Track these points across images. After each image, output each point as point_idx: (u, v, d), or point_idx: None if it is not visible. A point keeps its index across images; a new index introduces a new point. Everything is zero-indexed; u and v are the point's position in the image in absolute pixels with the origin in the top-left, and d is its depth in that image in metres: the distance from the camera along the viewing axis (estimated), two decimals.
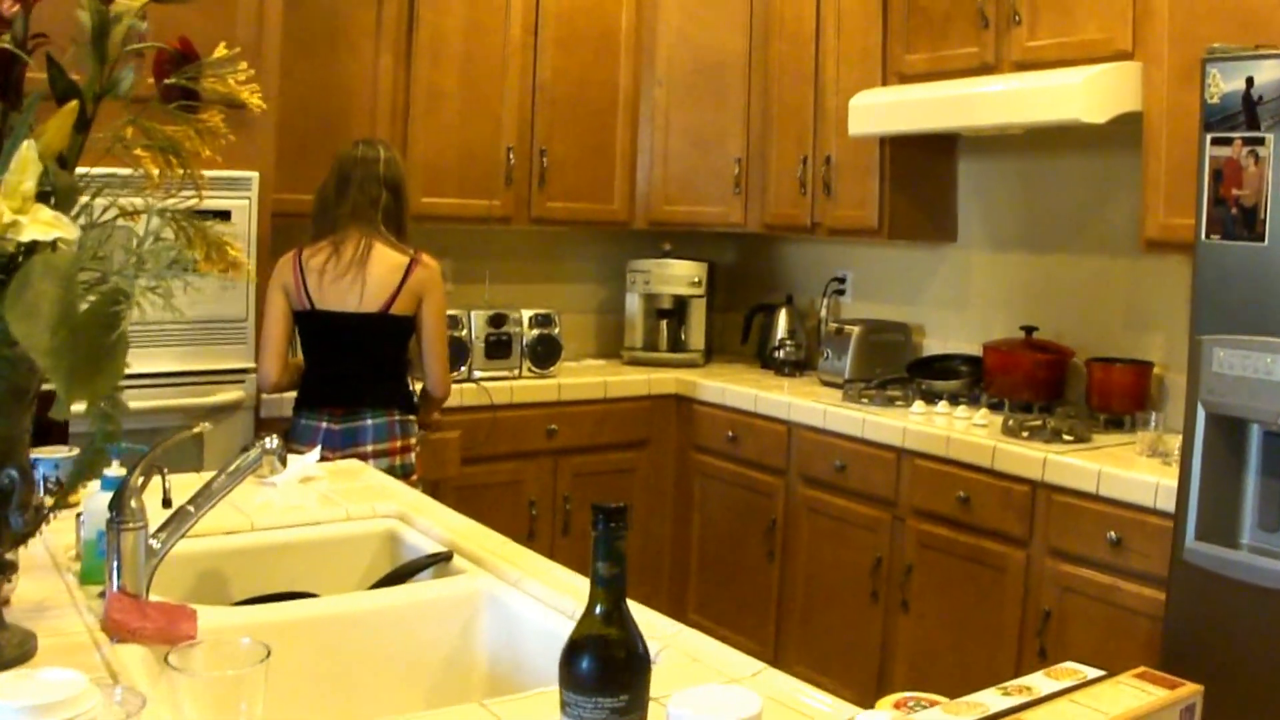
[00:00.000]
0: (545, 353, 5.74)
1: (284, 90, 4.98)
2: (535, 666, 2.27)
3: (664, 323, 6.30)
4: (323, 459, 3.66)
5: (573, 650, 1.54)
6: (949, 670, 4.48)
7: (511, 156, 5.74)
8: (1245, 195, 3.24)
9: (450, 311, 5.37)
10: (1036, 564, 4.14)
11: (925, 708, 1.52)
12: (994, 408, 4.81)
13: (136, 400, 4.20)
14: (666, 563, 5.96)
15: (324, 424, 4.32)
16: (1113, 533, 3.84)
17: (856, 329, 5.56)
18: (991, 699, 1.51)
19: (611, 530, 1.55)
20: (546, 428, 5.58)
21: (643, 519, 5.84)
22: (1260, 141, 3.19)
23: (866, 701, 4.77)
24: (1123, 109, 4.17)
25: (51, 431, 2.21)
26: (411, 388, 4.51)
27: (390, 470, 4.05)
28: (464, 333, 5.52)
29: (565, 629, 2.04)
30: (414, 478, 4.33)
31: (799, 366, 6.00)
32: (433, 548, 2.74)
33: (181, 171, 2.24)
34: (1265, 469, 3.38)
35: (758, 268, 6.81)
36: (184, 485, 2.53)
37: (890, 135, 5.12)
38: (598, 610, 1.55)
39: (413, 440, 4.42)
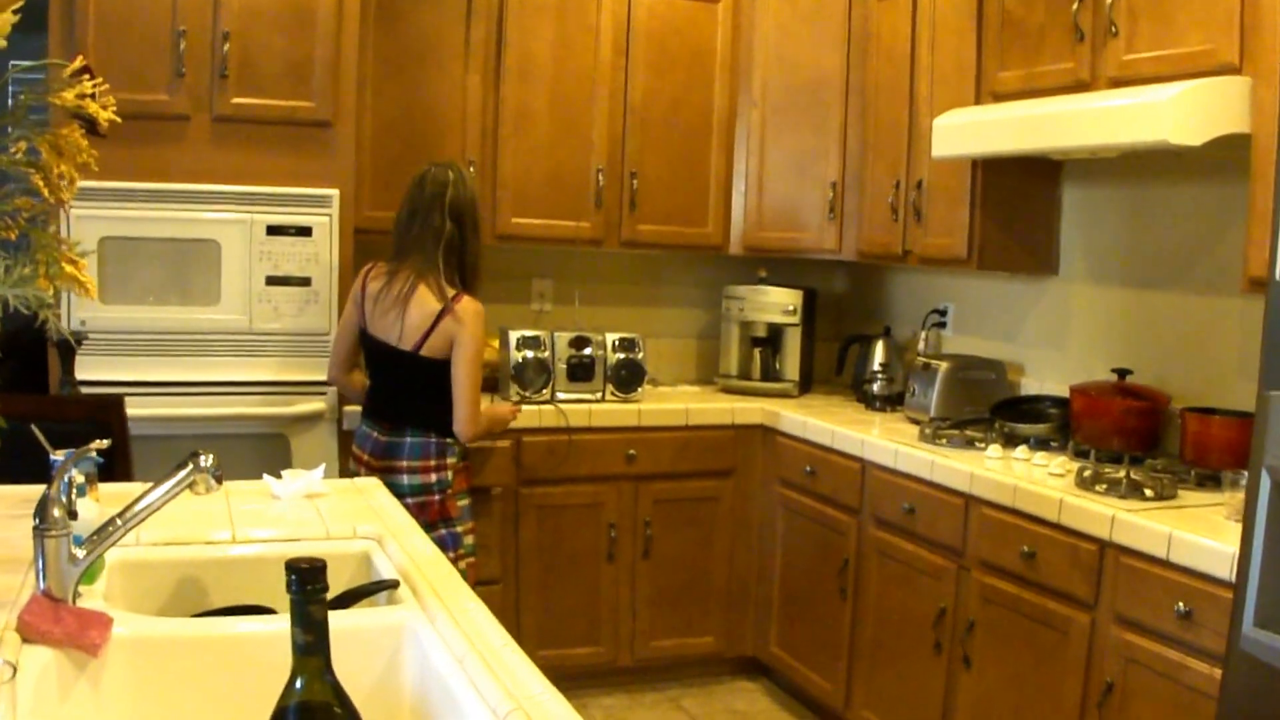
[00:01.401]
0: (628, 377, 5.34)
1: (374, 109, 5.03)
2: (440, 712, 2.10)
3: (758, 351, 5.82)
4: (366, 466, 4.18)
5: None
6: None
7: (601, 178, 5.47)
8: None
9: (534, 332, 5.21)
10: (1101, 630, 3.52)
11: None
12: (1081, 455, 4.18)
13: (221, 407, 4.59)
14: (752, 594, 5.53)
15: (374, 434, 4.27)
16: (1181, 604, 3.20)
17: (945, 365, 4.97)
18: None
19: (308, 593, 1.40)
20: (626, 452, 5.22)
21: (728, 549, 5.50)
22: None
23: None
24: (1225, 130, 3.51)
25: None
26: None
27: (425, 487, 4.18)
28: (546, 354, 5.20)
29: (454, 676, 2.03)
30: (450, 491, 4.25)
31: (892, 401, 5.42)
32: (393, 574, 2.61)
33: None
34: None
35: (860, 297, 6.32)
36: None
37: (976, 157, 4.52)
38: (298, 682, 1.42)
39: (450, 460, 4.25)
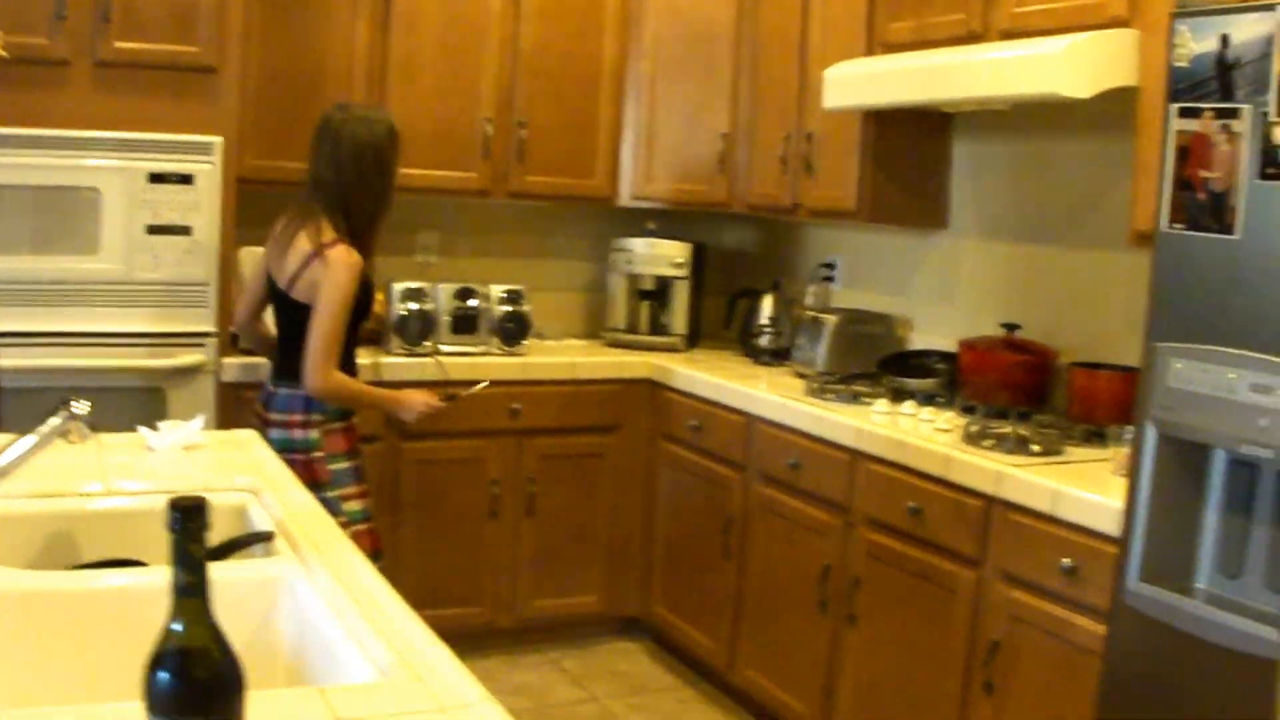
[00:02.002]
0: (514, 330, 5.26)
1: (259, 56, 4.91)
2: (319, 665, 2.09)
3: (646, 304, 5.75)
4: (259, 419, 3.99)
5: (152, 665, 1.34)
6: (894, 694, 3.90)
7: (489, 128, 5.34)
8: (1214, 178, 2.57)
9: (418, 284, 5.15)
10: (987, 587, 3.51)
11: None
12: (968, 410, 4.15)
13: (97, 358, 4.47)
14: (635, 553, 5.47)
15: (266, 384, 4.12)
16: (1067, 560, 3.19)
17: (833, 319, 4.95)
18: None
19: (189, 532, 1.34)
20: (510, 407, 5.13)
21: (611, 506, 5.43)
22: (1234, 114, 2.52)
23: (814, 718, 4.21)
24: (1114, 83, 3.51)
25: None
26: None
27: (289, 444, 3.89)
28: (430, 307, 5.11)
29: (333, 629, 2.03)
30: (318, 454, 3.97)
31: (780, 355, 5.38)
32: (269, 526, 2.57)
33: None
34: (1229, 503, 2.70)
35: (750, 250, 6.27)
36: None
37: (866, 109, 4.47)
38: (177, 625, 1.35)
39: (315, 417, 3.97)
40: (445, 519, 5.08)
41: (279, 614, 2.26)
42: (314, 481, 3.79)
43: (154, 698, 1.35)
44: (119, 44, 4.36)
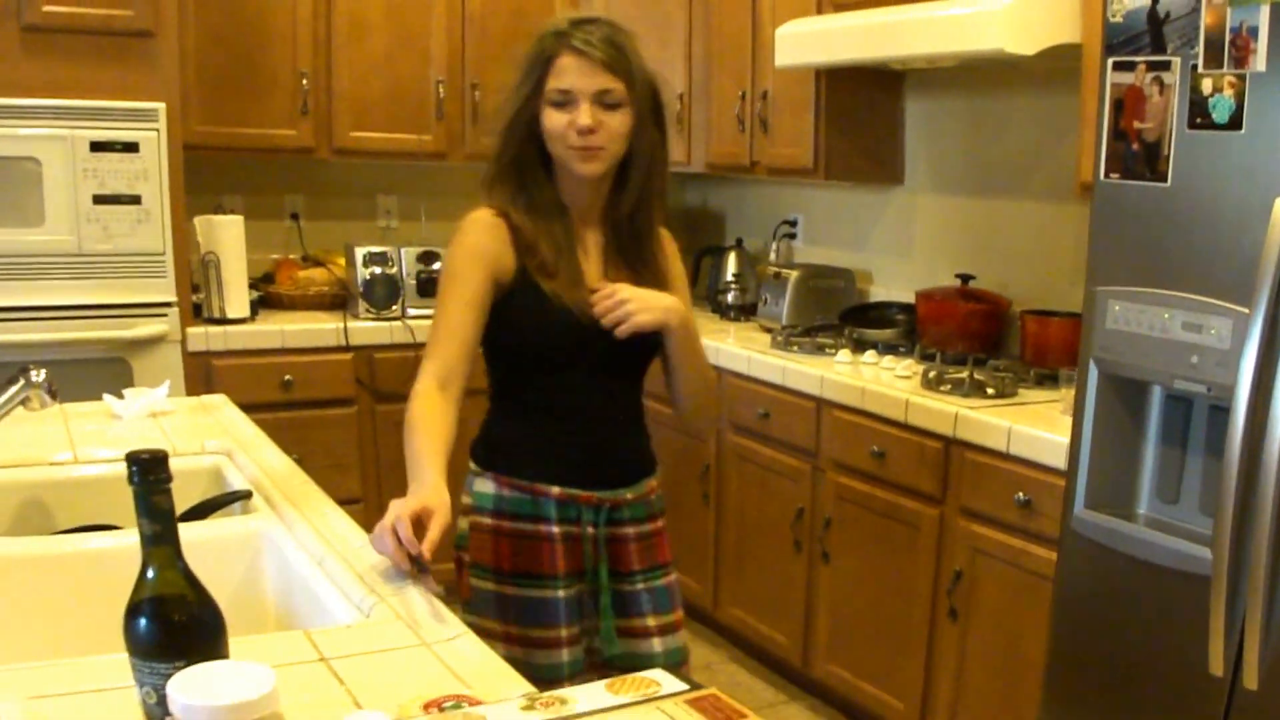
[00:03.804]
0: None
1: (197, 19, 4.86)
2: (305, 612, 2.18)
3: None
4: None
5: (129, 614, 1.40)
6: (867, 624, 4.17)
7: (441, 90, 5.43)
8: (1147, 129, 2.79)
9: (381, 248, 5.26)
10: (949, 522, 3.77)
11: (455, 707, 1.30)
12: (927, 358, 4.39)
13: (55, 332, 4.33)
14: None
15: None
16: (1021, 494, 3.44)
17: (795, 274, 5.16)
18: (506, 713, 1.26)
19: (150, 484, 1.40)
20: (481, 366, 5.19)
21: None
22: (1165, 66, 2.73)
23: (795, 649, 4.48)
24: (1058, 40, 3.72)
25: None
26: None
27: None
28: (395, 270, 5.24)
29: (315, 577, 2.12)
30: (466, 555, 2.63)
31: (746, 311, 5.59)
32: (245, 485, 2.65)
33: None
34: (1165, 435, 2.94)
35: (712, 209, 6.45)
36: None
37: (818, 66, 4.66)
38: (149, 572, 1.41)
39: (465, 499, 2.64)
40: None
41: (263, 567, 2.35)
42: (462, 600, 2.57)
43: (135, 643, 1.41)
44: (47, 7, 4.31)
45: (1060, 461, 3.25)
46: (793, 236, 5.71)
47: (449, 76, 5.42)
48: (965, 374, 3.96)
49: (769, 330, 5.12)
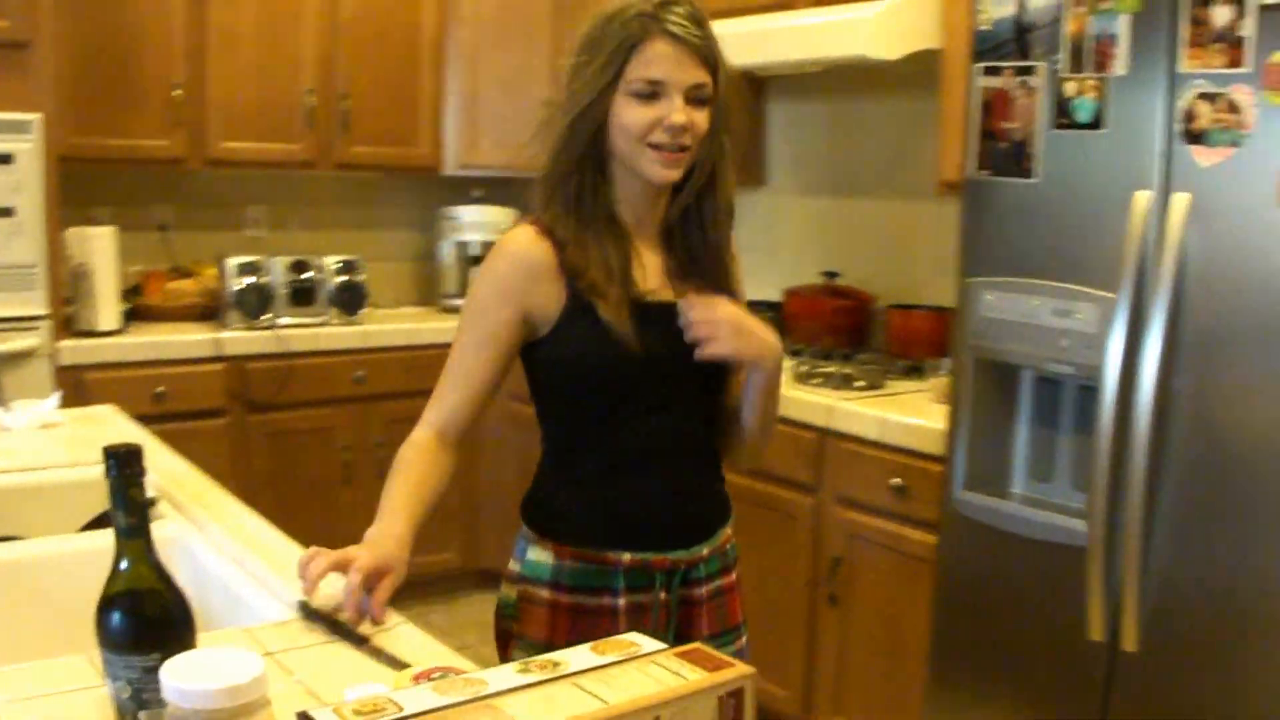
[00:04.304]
0: (351, 299, 5.43)
1: (73, 30, 4.80)
2: (223, 613, 2.16)
3: (475, 269, 5.94)
4: None
5: (102, 606, 1.42)
6: (752, 614, 4.23)
7: (312, 100, 5.44)
8: (1015, 129, 2.97)
9: (253, 258, 5.22)
10: (825, 510, 3.91)
11: (443, 678, 1.30)
12: (796, 354, 4.53)
13: None
14: (487, 507, 5.69)
15: None
16: (896, 480, 3.61)
17: None
18: (503, 676, 1.26)
19: (127, 477, 1.42)
20: (354, 374, 5.33)
21: (462, 464, 5.44)
22: (1031, 71, 2.92)
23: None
24: (919, 45, 3.93)
25: None
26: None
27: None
28: (266, 280, 5.23)
29: (235, 578, 2.14)
30: (513, 625, 2.34)
31: None
32: (149, 492, 2.52)
33: None
34: (1037, 416, 3.13)
35: None
36: None
37: None
38: (123, 564, 1.43)
39: (513, 566, 2.37)
40: (300, 488, 5.19)
41: (176, 572, 2.34)
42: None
43: (109, 637, 1.42)
44: None
45: (932, 447, 3.43)
46: None
47: (319, 85, 5.43)
48: (834, 368, 4.14)
49: None
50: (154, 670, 1.32)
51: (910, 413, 3.67)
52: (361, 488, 5.32)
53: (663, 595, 2.25)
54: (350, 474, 5.34)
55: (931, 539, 3.44)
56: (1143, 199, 2.68)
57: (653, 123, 2.11)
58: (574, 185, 2.21)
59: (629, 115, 2.13)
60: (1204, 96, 2.60)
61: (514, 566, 2.33)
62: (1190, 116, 2.62)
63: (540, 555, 2.27)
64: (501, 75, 5.77)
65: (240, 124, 5.29)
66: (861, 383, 4.04)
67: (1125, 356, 2.70)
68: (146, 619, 1.42)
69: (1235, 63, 2.54)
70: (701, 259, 2.28)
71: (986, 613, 3.16)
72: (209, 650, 1.34)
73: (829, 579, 3.89)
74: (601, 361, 2.17)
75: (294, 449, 5.21)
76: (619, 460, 2.23)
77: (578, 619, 2.23)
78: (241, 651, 1.29)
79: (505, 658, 2.26)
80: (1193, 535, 2.68)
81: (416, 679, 1.51)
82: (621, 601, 2.22)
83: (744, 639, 2.43)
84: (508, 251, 2.22)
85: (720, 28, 4.39)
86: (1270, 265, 2.51)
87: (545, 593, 2.25)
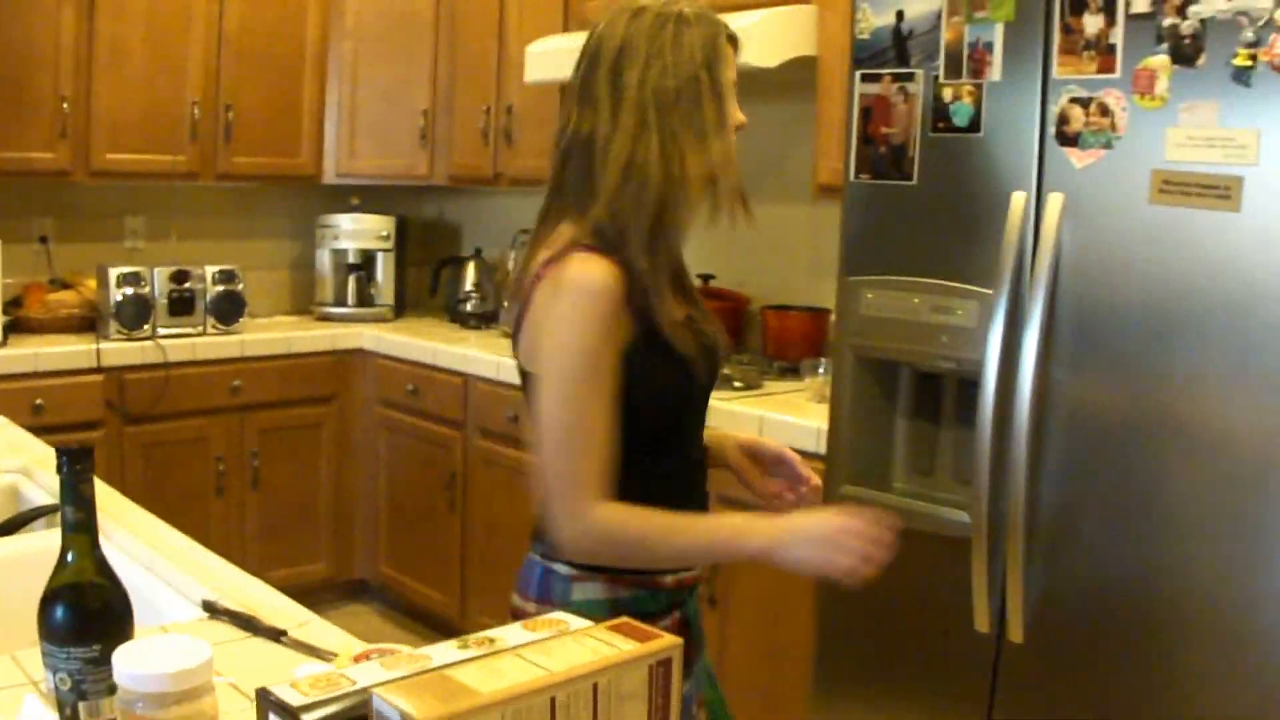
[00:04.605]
0: (229, 309, 5.41)
1: None
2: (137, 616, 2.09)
3: (353, 277, 5.99)
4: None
5: (46, 600, 1.45)
6: None
7: (197, 111, 5.41)
8: (894, 133, 3.04)
9: (134, 269, 5.16)
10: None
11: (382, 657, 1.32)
12: None
13: None
14: (359, 517, 5.72)
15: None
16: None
17: None
18: (444, 651, 1.32)
19: (77, 473, 1.44)
20: (230, 384, 5.29)
21: (334, 474, 5.65)
22: (909, 78, 2.99)
23: None
24: (796, 53, 4.00)
25: None
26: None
27: None
28: (146, 290, 5.18)
29: (144, 580, 2.13)
30: None
31: (486, 319, 5.74)
32: (49, 500, 2.61)
33: None
34: (917, 411, 3.19)
35: (452, 221, 6.57)
36: None
37: (565, 82, 4.83)
38: (69, 558, 1.46)
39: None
40: (172, 499, 5.05)
41: None
42: None
43: (52, 630, 1.44)
44: None
45: (812, 445, 3.47)
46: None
47: (204, 97, 5.41)
48: None
49: (510, 336, 5.23)
50: (94, 662, 1.38)
51: (789, 412, 3.73)
52: (233, 498, 5.35)
53: (693, 610, 2.27)
54: (223, 484, 5.31)
55: None
56: (1019, 199, 2.76)
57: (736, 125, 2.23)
58: (660, 191, 2.12)
59: (731, 119, 2.28)
60: (1076, 101, 2.69)
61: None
62: (1064, 120, 2.71)
63: (591, 593, 2.14)
64: (382, 86, 5.78)
65: (125, 136, 5.25)
66: (739, 383, 4.10)
67: (1004, 351, 2.77)
68: (88, 612, 1.45)
69: (1106, 69, 2.63)
70: (681, 274, 2.29)
71: (872, 609, 3.19)
72: (156, 638, 1.39)
73: (708, 581, 3.89)
74: (679, 393, 2.14)
75: (168, 460, 5.16)
76: (668, 487, 2.16)
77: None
78: (188, 638, 1.32)
79: None
80: (1074, 525, 2.75)
81: (357, 659, 1.53)
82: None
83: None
84: (610, 291, 2.02)
85: None
86: (1143, 259, 2.59)
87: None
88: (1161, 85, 2.55)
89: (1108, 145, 2.64)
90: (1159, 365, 2.59)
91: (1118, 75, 2.62)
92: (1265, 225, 2.43)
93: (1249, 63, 2.43)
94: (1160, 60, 2.55)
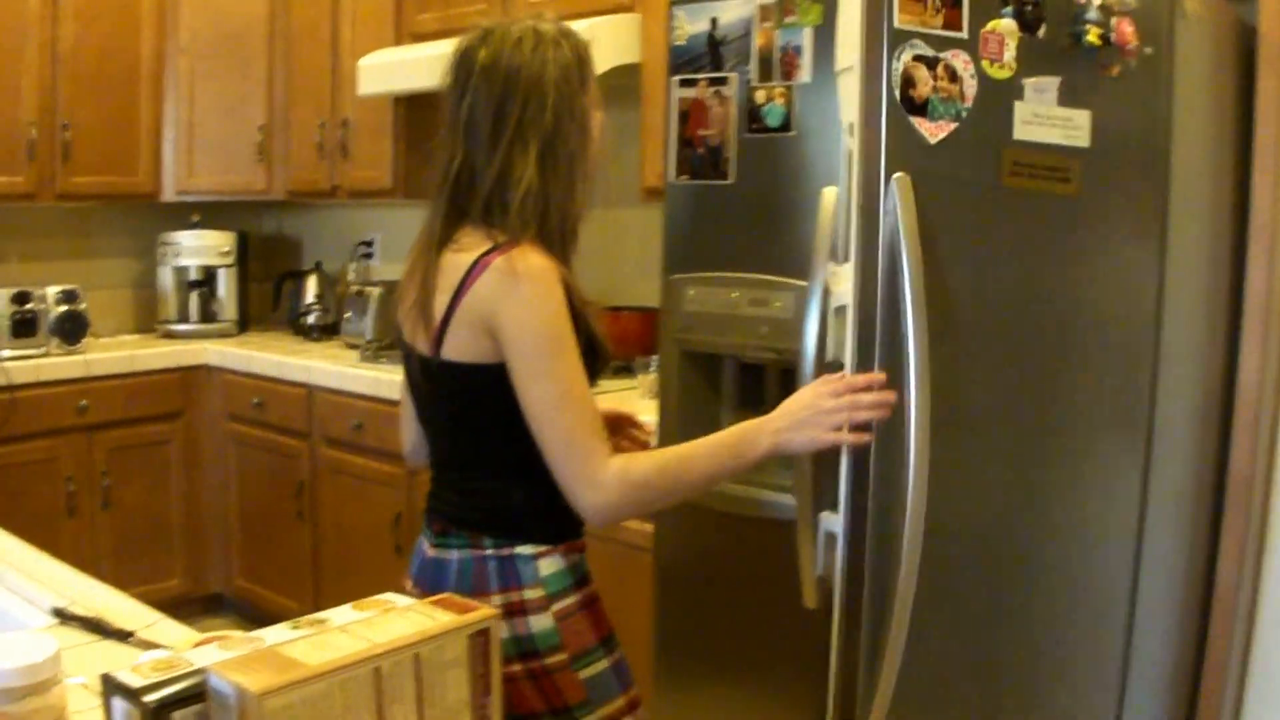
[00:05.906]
0: (72, 329, 5.30)
1: None
2: None
3: (195, 293, 5.91)
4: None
5: None
6: None
7: (34, 131, 5.28)
8: (711, 135, 3.07)
9: None
10: None
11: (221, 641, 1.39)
12: None
13: None
14: (211, 531, 5.63)
15: (423, 542, 2.48)
16: None
17: (377, 290, 5.30)
18: (277, 633, 1.40)
19: None
20: (77, 404, 5.18)
21: (184, 490, 5.56)
22: (724, 81, 3.03)
23: None
24: (621, 60, 4.05)
25: None
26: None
27: (507, 646, 2.16)
28: None
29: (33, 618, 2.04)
30: (560, 657, 2.23)
31: (328, 330, 5.71)
32: None
33: None
34: (741, 401, 3.23)
35: (292, 235, 6.52)
36: None
37: (399, 94, 4.85)
38: None
39: (535, 593, 2.21)
40: (23, 522, 4.78)
41: None
42: (560, 708, 2.23)
43: None
44: None
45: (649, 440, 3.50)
46: (370, 256, 5.84)
47: (40, 117, 5.29)
48: None
49: (354, 346, 5.24)
50: None
51: (622, 409, 3.74)
52: (85, 518, 5.22)
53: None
54: (74, 504, 5.19)
55: (649, 527, 3.50)
56: (830, 194, 2.79)
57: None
58: (561, 204, 2.28)
59: (597, 124, 2.30)
60: (921, 59, 2.63)
61: (531, 594, 2.19)
62: (909, 81, 2.53)
63: (555, 565, 2.24)
64: (219, 102, 5.71)
65: None
66: None
67: (820, 337, 2.80)
68: None
69: (953, 24, 2.61)
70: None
71: (707, 595, 3.23)
72: (3, 637, 1.38)
73: None
74: (594, 370, 2.28)
75: (18, 482, 5.02)
76: None
77: (601, 605, 2.32)
78: (34, 636, 1.35)
79: (568, 692, 2.22)
80: (898, 498, 2.79)
81: (197, 645, 1.53)
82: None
83: None
84: (557, 273, 2.20)
85: (431, 49, 4.50)
86: (989, 239, 2.59)
87: (574, 597, 2.25)
88: (1010, 52, 2.51)
89: (958, 117, 2.51)
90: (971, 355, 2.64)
91: (964, 34, 2.48)
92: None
93: (1098, 42, 2.48)
94: (1008, 24, 2.50)
